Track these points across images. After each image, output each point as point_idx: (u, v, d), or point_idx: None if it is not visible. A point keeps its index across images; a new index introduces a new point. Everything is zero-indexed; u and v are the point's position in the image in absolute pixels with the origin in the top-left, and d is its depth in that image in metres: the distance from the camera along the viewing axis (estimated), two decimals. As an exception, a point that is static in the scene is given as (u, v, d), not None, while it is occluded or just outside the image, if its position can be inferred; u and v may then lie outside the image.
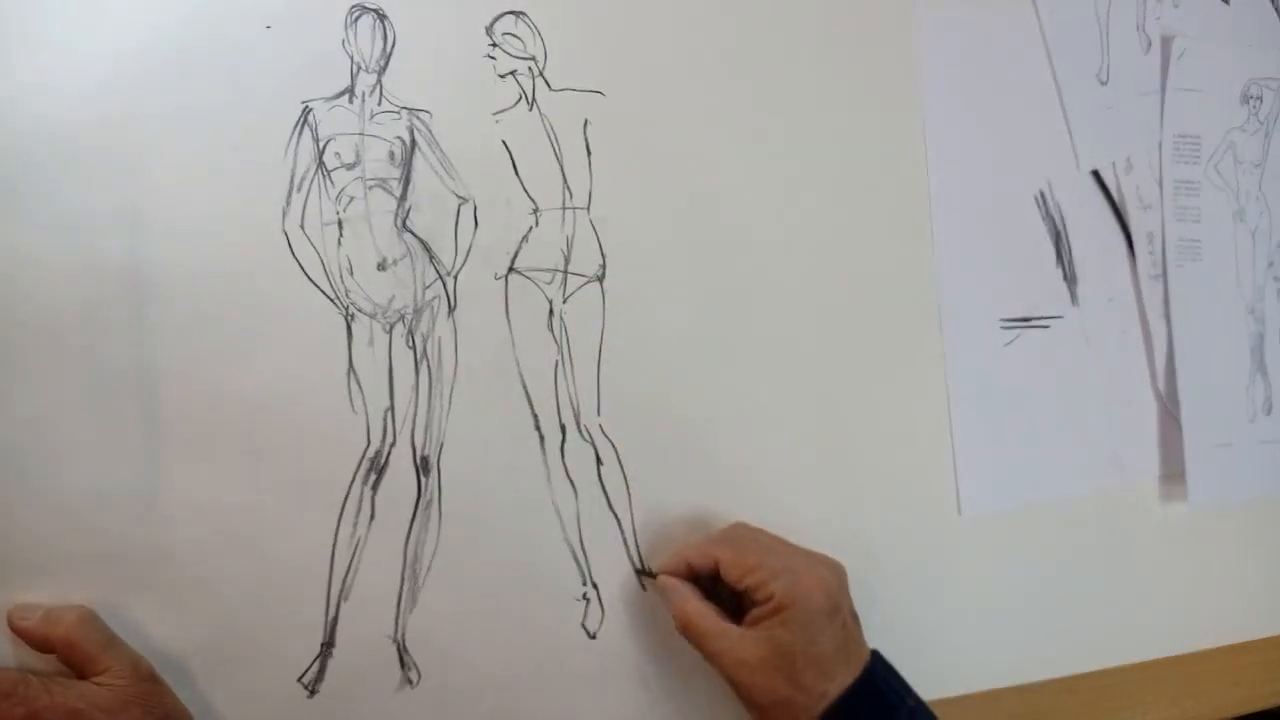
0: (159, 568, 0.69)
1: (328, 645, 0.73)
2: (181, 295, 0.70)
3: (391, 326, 0.75)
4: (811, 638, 0.71)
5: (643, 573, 0.80)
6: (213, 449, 0.71)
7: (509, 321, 0.78)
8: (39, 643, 0.65)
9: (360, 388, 0.74)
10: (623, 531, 0.80)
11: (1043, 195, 0.94)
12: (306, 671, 0.73)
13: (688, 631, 0.74)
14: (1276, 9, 1.03)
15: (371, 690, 0.74)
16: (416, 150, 0.75)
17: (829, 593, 0.73)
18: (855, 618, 0.75)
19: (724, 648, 0.72)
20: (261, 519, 0.72)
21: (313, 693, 0.73)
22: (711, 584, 0.77)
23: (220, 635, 0.71)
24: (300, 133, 0.72)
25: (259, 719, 0.71)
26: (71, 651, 0.65)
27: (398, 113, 0.75)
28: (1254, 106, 1.02)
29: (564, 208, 0.79)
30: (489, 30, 0.77)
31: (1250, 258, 1.01)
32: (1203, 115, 1.00)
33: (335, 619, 0.73)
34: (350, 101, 0.74)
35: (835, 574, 0.75)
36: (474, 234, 0.77)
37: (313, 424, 0.73)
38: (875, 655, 0.74)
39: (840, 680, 0.71)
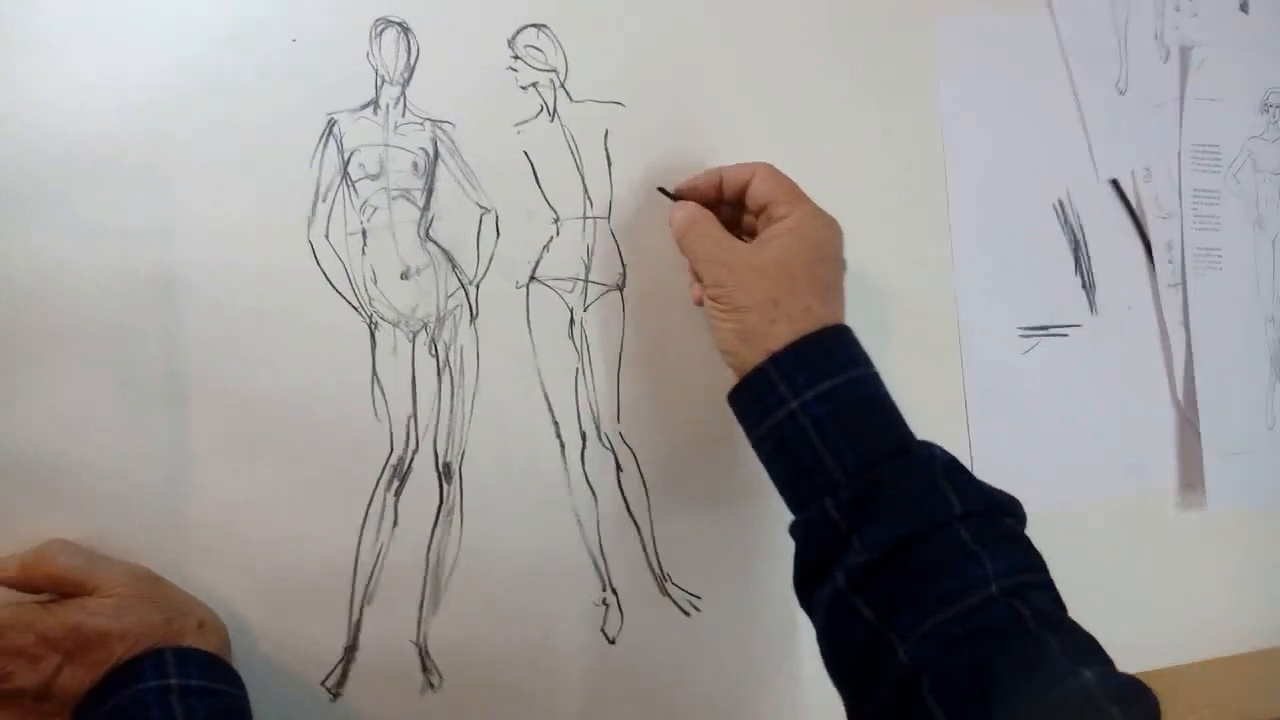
0: (185, 573, 0.70)
1: (351, 649, 0.74)
2: (209, 304, 0.71)
3: (414, 335, 0.75)
4: (820, 258, 0.72)
5: (664, 191, 0.79)
6: (239, 455, 0.72)
7: (530, 330, 0.78)
8: (27, 586, 0.65)
9: (384, 395, 0.75)
10: (642, 537, 0.81)
11: (1061, 204, 0.95)
12: (330, 675, 0.74)
13: (690, 233, 0.74)
14: (1296, 18, 1.03)
15: (394, 693, 0.75)
16: (440, 161, 0.76)
17: (836, 236, 0.74)
18: (842, 289, 0.75)
19: (722, 249, 0.73)
20: (286, 524, 0.73)
21: (336, 696, 0.74)
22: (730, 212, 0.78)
23: (244, 639, 0.71)
24: (325, 144, 0.73)
25: (283, 721, 0.72)
26: (61, 583, 0.65)
27: (421, 124, 0.76)
28: (1273, 115, 1.02)
29: (585, 217, 0.80)
30: (511, 43, 0.78)
31: (1270, 266, 1.01)
32: (1222, 124, 1.00)
33: (358, 623, 0.74)
34: (375, 113, 0.75)
35: (840, 234, 0.75)
36: (496, 243, 0.77)
37: (337, 431, 0.74)
38: None
39: (821, 314, 0.70)
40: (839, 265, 0.74)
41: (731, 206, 0.78)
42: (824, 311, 0.70)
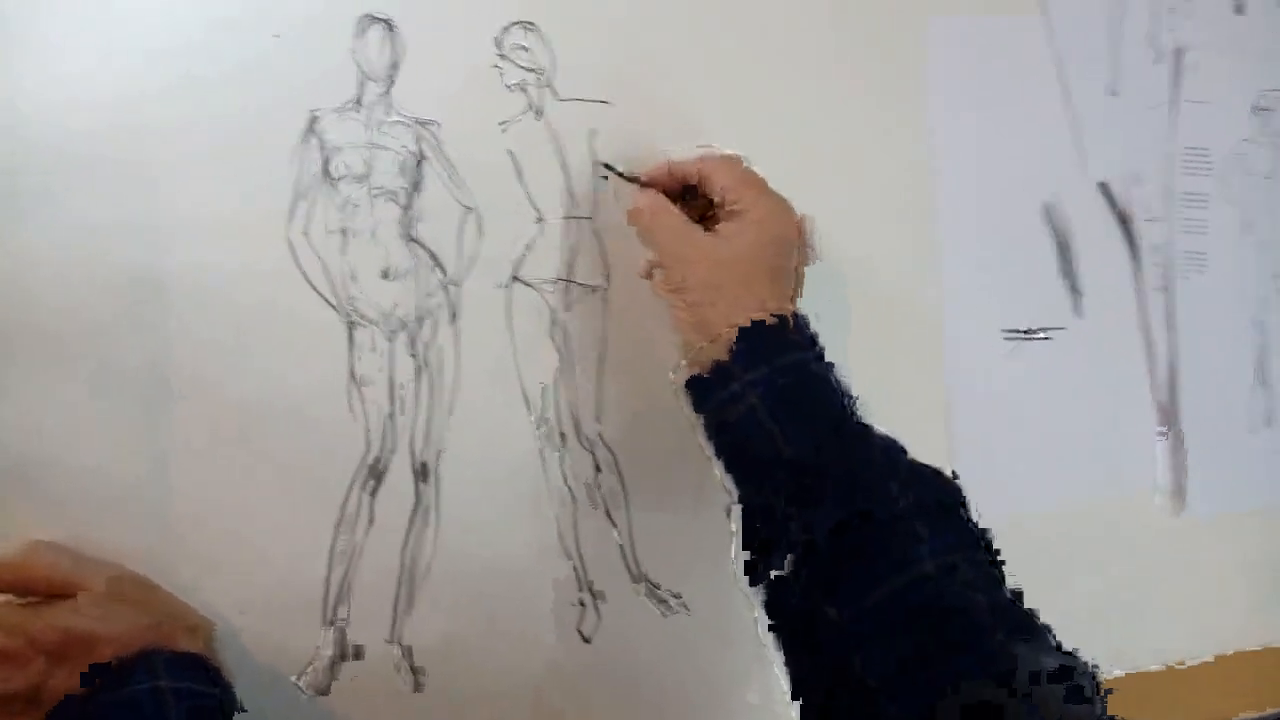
0: (161, 573, 0.70)
1: (327, 648, 0.74)
2: (188, 301, 0.71)
3: (394, 334, 0.75)
4: (780, 250, 0.73)
5: (614, 170, 0.79)
6: (215, 453, 0.72)
7: (511, 329, 0.78)
8: (10, 587, 0.64)
9: (361, 394, 0.74)
10: (619, 538, 0.81)
11: (1050, 206, 0.94)
12: (307, 674, 0.74)
13: (650, 221, 0.75)
14: (1289, 21, 1.03)
15: (369, 693, 0.75)
16: (423, 160, 0.76)
17: (799, 229, 0.75)
18: (796, 274, 0.76)
19: (677, 235, 0.74)
20: (263, 524, 0.73)
21: (314, 695, 0.74)
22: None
23: (221, 640, 0.71)
24: (307, 142, 0.73)
25: (258, 723, 0.73)
26: (50, 584, 0.64)
27: (405, 123, 0.75)
28: (1265, 118, 1.01)
29: (569, 217, 0.80)
30: (497, 41, 0.77)
31: (1255, 269, 1.01)
32: (1213, 127, 1.00)
33: (335, 622, 0.74)
34: (358, 111, 0.74)
35: (795, 219, 0.76)
36: (479, 243, 0.77)
37: (314, 430, 0.74)
38: None
39: (768, 299, 0.71)
40: (796, 254, 0.75)
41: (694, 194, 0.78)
42: (777, 303, 0.71)
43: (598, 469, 0.80)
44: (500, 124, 0.78)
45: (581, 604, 0.80)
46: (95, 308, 0.69)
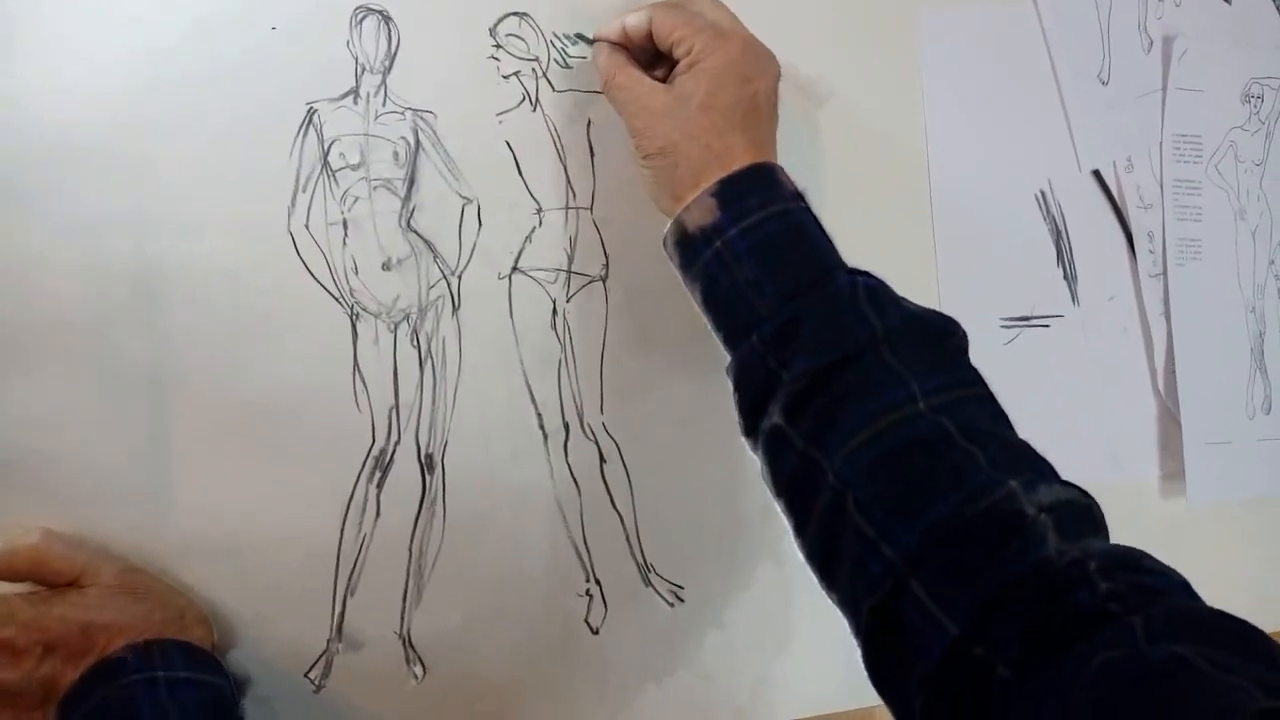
0: (168, 566, 0.70)
1: (334, 641, 0.74)
2: (189, 295, 0.71)
3: (396, 326, 0.75)
4: (714, 90, 0.68)
5: (580, 38, 0.78)
6: (220, 448, 0.71)
7: (513, 320, 0.78)
8: (14, 573, 0.64)
9: (365, 386, 0.74)
10: (625, 528, 0.81)
11: (1043, 194, 0.95)
12: (314, 666, 0.73)
13: (609, 86, 0.73)
14: (1278, 8, 1.03)
15: (377, 685, 0.75)
16: (421, 151, 0.75)
17: (747, 58, 0.71)
18: (772, 114, 0.73)
19: (632, 96, 0.71)
20: (268, 517, 0.72)
21: (319, 688, 0.74)
22: (652, 58, 0.75)
23: (228, 632, 0.71)
24: (305, 133, 0.73)
25: (266, 714, 0.72)
26: (58, 574, 0.64)
27: (402, 113, 0.75)
28: (1255, 106, 1.02)
29: (567, 208, 0.80)
30: (492, 31, 0.77)
31: (1251, 256, 1.02)
32: (1204, 115, 1.00)
33: (342, 615, 0.74)
34: (355, 102, 0.74)
35: (764, 55, 0.72)
36: (478, 234, 0.77)
37: (319, 423, 0.73)
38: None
39: (737, 149, 0.68)
40: (747, 89, 0.70)
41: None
42: (749, 154, 0.68)
43: (602, 459, 0.80)
44: (497, 115, 0.78)
45: (589, 595, 0.80)
46: (95, 303, 0.69)
